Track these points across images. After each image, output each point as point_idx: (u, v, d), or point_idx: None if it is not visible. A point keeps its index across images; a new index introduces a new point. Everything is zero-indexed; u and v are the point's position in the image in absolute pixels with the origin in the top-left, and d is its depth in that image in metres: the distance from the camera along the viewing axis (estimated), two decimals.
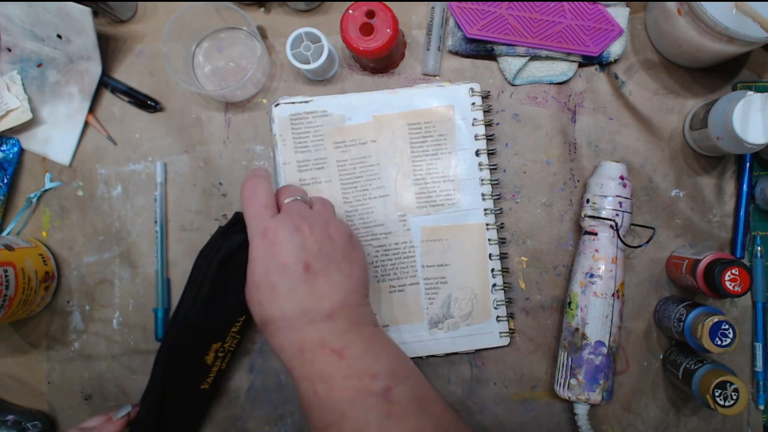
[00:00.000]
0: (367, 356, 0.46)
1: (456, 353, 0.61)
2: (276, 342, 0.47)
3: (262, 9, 0.64)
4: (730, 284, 0.53)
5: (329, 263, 0.48)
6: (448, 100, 0.61)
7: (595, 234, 0.58)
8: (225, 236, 0.56)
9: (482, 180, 0.61)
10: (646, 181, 0.62)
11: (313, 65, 0.58)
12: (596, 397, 0.56)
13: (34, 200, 0.63)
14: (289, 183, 0.59)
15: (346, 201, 0.61)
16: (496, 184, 0.62)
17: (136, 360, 0.62)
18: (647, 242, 0.58)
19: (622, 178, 0.58)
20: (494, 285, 0.61)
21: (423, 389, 0.47)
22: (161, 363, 0.55)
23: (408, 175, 0.61)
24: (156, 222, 0.62)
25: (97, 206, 0.63)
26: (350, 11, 0.56)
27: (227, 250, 0.55)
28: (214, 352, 0.57)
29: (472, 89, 0.61)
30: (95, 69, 0.62)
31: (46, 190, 0.63)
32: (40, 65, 0.62)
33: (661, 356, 0.62)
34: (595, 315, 0.56)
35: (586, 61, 0.62)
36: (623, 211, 0.57)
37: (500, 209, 0.62)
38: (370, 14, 0.56)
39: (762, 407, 0.61)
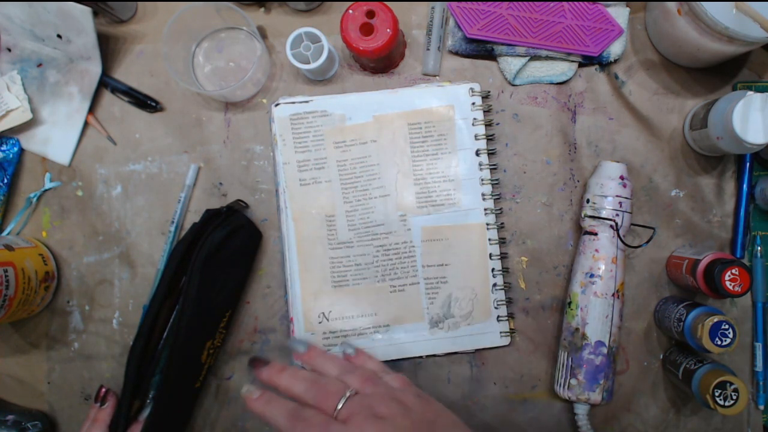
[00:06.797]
0: None
1: (456, 353, 0.61)
2: None
3: (262, 9, 0.64)
4: (730, 284, 0.53)
5: (424, 415, 0.44)
6: (448, 100, 0.61)
7: (595, 234, 0.58)
8: (202, 233, 0.57)
9: (482, 180, 0.61)
10: (646, 181, 0.62)
11: (313, 65, 0.58)
12: (596, 397, 0.56)
13: (34, 200, 0.62)
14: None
15: (346, 201, 0.61)
16: (496, 184, 0.62)
17: None
18: (647, 242, 0.58)
19: (622, 178, 0.58)
20: (494, 285, 0.61)
21: None
22: (173, 366, 0.55)
23: (408, 174, 0.61)
24: (173, 222, 0.62)
25: (96, 206, 0.63)
26: (350, 11, 0.56)
27: (210, 248, 0.56)
28: (207, 350, 0.57)
29: (472, 89, 0.61)
30: (95, 69, 0.62)
31: (46, 190, 0.63)
32: (40, 65, 0.62)
33: (661, 356, 0.62)
34: (595, 315, 0.56)
35: (586, 61, 0.62)
36: (623, 211, 0.57)
37: (500, 209, 0.62)
38: (370, 14, 0.56)
39: (762, 407, 0.61)
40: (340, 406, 0.44)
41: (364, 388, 0.46)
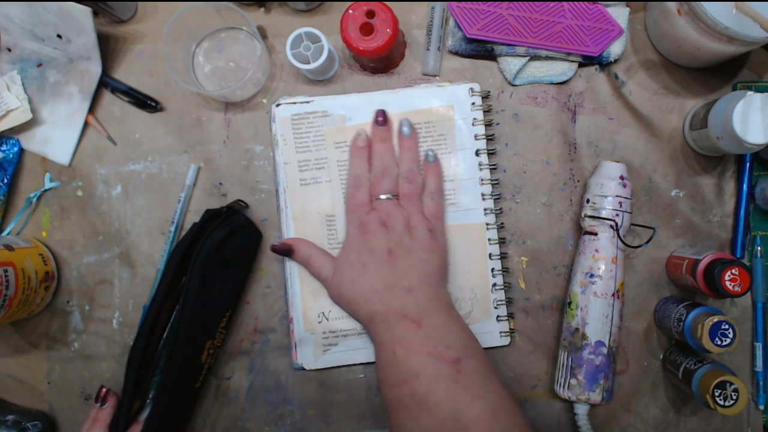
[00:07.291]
0: (442, 329, 0.52)
1: None
2: (364, 313, 0.54)
3: (262, 9, 0.64)
4: (730, 284, 0.53)
5: (409, 252, 0.55)
6: (448, 100, 0.61)
7: (595, 234, 0.58)
8: (202, 233, 0.57)
9: (482, 180, 0.61)
10: (646, 181, 0.62)
11: (313, 65, 0.58)
12: (596, 397, 0.56)
13: (34, 200, 0.63)
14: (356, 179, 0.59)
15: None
16: (496, 184, 0.62)
17: None
18: (647, 242, 0.58)
19: (622, 178, 0.58)
20: (494, 285, 0.61)
21: (488, 367, 0.52)
22: (173, 366, 0.55)
23: None
24: (173, 222, 0.62)
25: (96, 206, 0.63)
26: (350, 11, 0.56)
27: (210, 248, 0.56)
28: (206, 350, 0.58)
29: (472, 89, 0.61)
30: (95, 69, 0.62)
31: (46, 190, 0.63)
32: (40, 65, 0.62)
33: (661, 356, 0.62)
34: (595, 315, 0.56)
35: (586, 61, 0.62)
36: (623, 211, 0.57)
37: (500, 209, 0.62)
38: (370, 14, 0.56)
39: (762, 407, 0.61)
40: (379, 197, 0.57)
41: (403, 199, 0.57)
